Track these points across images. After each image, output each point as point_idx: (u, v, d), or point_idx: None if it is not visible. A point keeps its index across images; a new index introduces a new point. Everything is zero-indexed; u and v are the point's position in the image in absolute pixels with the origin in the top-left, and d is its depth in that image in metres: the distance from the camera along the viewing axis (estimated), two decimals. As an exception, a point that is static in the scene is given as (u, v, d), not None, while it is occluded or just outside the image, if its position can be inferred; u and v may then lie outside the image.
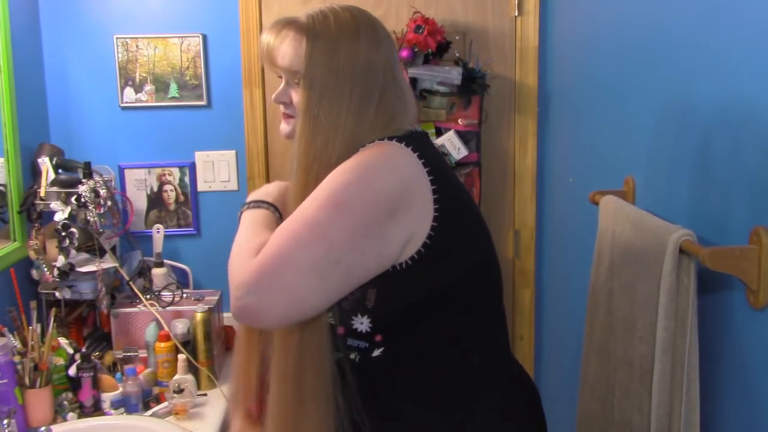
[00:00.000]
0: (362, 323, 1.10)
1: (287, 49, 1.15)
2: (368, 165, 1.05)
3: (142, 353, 2.04)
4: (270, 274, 1.00)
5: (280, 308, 1.01)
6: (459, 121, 2.26)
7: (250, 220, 1.18)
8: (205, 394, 1.96)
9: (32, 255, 2.01)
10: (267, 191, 1.26)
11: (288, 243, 1.01)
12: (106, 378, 1.89)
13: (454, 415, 1.14)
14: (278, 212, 1.21)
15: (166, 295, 2.10)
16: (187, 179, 2.34)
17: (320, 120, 1.12)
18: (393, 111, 1.16)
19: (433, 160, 1.10)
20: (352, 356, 1.15)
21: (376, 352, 1.12)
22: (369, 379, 1.15)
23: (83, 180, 2.03)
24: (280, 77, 1.22)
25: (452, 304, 1.13)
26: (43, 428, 1.62)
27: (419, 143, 1.12)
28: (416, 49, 2.18)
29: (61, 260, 1.98)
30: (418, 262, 1.07)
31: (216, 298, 2.16)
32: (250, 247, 1.06)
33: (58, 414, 1.80)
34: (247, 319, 1.03)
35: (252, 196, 1.25)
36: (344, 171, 1.05)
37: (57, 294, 2.01)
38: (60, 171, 2.12)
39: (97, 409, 1.84)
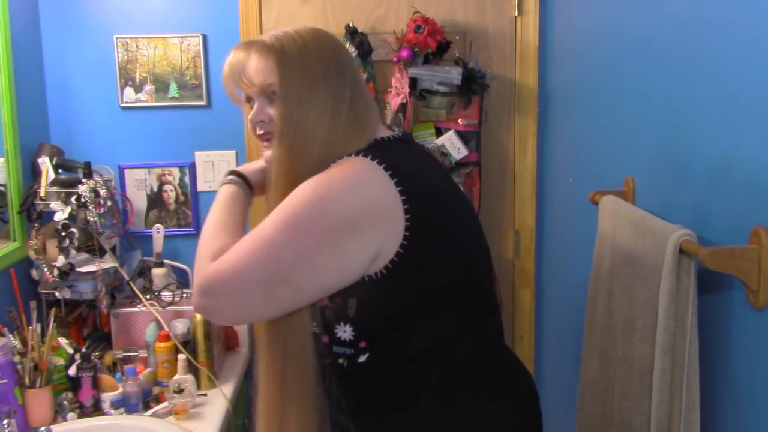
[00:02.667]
0: (345, 331, 1.12)
1: (258, 65, 1.17)
2: (330, 185, 1.07)
3: (142, 353, 2.04)
4: (221, 284, 1.08)
5: (228, 313, 1.12)
6: (459, 121, 2.26)
7: (222, 199, 1.28)
8: (205, 394, 1.96)
9: (32, 255, 2.01)
10: (251, 167, 1.37)
11: (242, 259, 1.08)
12: (106, 378, 1.89)
13: (443, 416, 1.14)
14: (251, 189, 1.34)
15: (166, 295, 2.10)
16: (187, 179, 2.34)
17: (298, 125, 1.13)
18: (365, 111, 1.18)
19: (407, 171, 1.10)
20: (340, 361, 1.15)
21: (362, 358, 1.13)
22: (358, 383, 1.16)
23: (83, 180, 2.03)
24: (249, 102, 1.22)
25: (436, 309, 1.13)
26: (43, 428, 1.62)
27: (393, 154, 1.13)
28: (416, 49, 2.18)
29: (61, 260, 1.98)
30: (392, 272, 1.08)
31: (216, 298, 2.16)
32: (211, 249, 1.14)
33: (58, 414, 1.80)
34: (203, 314, 1.16)
35: (236, 168, 1.37)
36: (305, 190, 1.08)
37: (57, 294, 2.01)
38: (60, 171, 2.12)
39: (97, 409, 1.84)
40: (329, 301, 1.11)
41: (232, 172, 1.34)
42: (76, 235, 1.97)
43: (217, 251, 1.12)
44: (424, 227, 1.08)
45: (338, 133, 1.14)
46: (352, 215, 1.05)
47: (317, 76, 1.14)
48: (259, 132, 1.21)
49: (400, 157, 1.13)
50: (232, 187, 1.30)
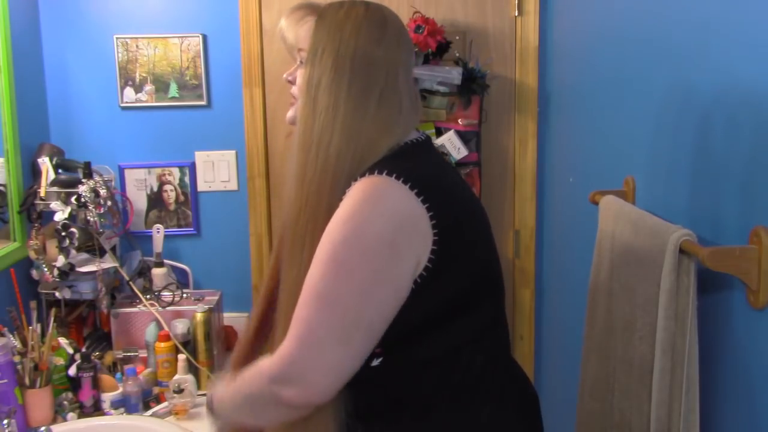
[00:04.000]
0: None
1: (296, 27, 1.18)
2: (359, 216, 1.05)
3: (142, 353, 2.04)
4: (300, 362, 1.04)
5: (321, 386, 1.05)
6: (459, 121, 2.26)
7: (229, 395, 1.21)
8: (205, 394, 1.96)
9: (32, 255, 2.01)
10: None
11: (309, 327, 1.04)
12: (106, 378, 1.90)
13: (451, 422, 1.14)
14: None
15: (166, 295, 2.10)
16: (187, 179, 2.34)
17: (318, 103, 1.12)
18: (397, 114, 1.15)
19: (429, 182, 1.09)
20: None
21: (375, 362, 1.12)
22: (367, 387, 1.14)
23: (83, 180, 2.03)
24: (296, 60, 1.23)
25: (454, 317, 1.13)
26: (43, 428, 1.62)
27: (414, 165, 1.11)
28: (416, 49, 2.18)
29: (61, 260, 1.98)
30: (421, 283, 1.08)
31: (216, 298, 2.16)
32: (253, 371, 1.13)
33: (58, 414, 1.81)
34: (299, 405, 1.08)
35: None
36: (338, 226, 1.05)
37: (57, 294, 2.01)
38: (60, 171, 2.12)
39: (97, 409, 1.84)
40: None
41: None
42: (76, 235, 1.97)
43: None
44: (449, 237, 1.08)
45: (364, 124, 1.11)
46: (389, 238, 1.04)
47: (344, 61, 1.11)
48: (291, 90, 1.23)
49: (422, 167, 1.13)
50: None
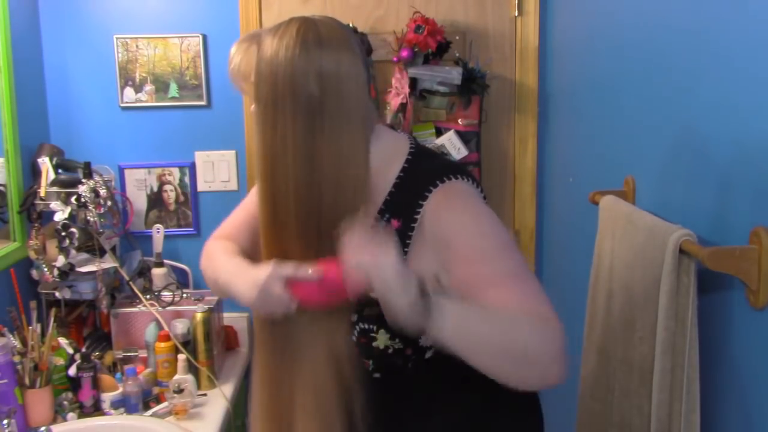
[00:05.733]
0: (427, 338, 1.09)
1: (246, 59, 1.21)
2: (476, 206, 1.13)
3: (142, 353, 2.04)
4: (558, 326, 1.06)
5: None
6: (459, 121, 2.26)
7: (467, 319, 1.02)
8: (205, 394, 1.96)
9: (32, 255, 2.01)
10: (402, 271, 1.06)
11: (537, 293, 1.07)
12: (106, 378, 1.89)
13: (486, 414, 1.17)
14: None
15: (166, 295, 2.10)
16: (187, 179, 2.34)
17: (267, 134, 1.10)
18: (358, 120, 1.11)
19: (471, 175, 1.19)
20: (408, 365, 1.17)
21: (429, 354, 1.16)
22: (422, 378, 1.16)
23: (83, 180, 2.03)
24: None
25: None
26: (43, 428, 1.62)
27: (449, 163, 1.21)
28: (416, 49, 2.18)
29: (61, 260, 1.98)
30: None
31: (216, 298, 2.16)
32: (531, 336, 1.03)
33: (58, 414, 1.80)
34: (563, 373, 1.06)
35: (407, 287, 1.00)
36: (478, 223, 1.10)
37: (57, 294, 2.01)
38: (60, 171, 2.12)
39: (97, 409, 1.84)
40: None
41: (422, 293, 1.00)
42: (76, 235, 1.97)
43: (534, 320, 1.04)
44: None
45: (328, 151, 1.08)
46: (496, 216, 1.14)
47: (284, 86, 1.07)
48: None
49: (461, 166, 1.22)
50: (441, 299, 1.04)
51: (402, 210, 1.12)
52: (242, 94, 1.22)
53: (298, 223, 1.09)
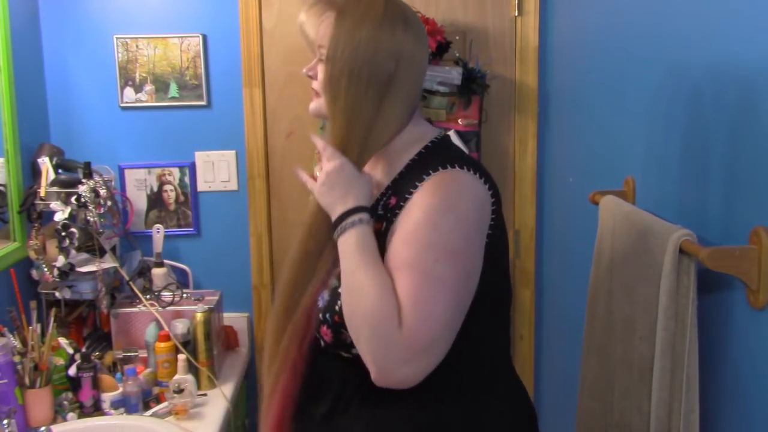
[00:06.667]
0: None
1: (316, 23, 1.19)
2: (459, 203, 1.10)
3: (142, 353, 2.04)
4: (427, 344, 1.04)
5: (430, 368, 1.05)
6: (459, 121, 2.26)
7: (364, 248, 1.10)
8: (205, 394, 1.96)
9: (32, 255, 2.01)
10: (365, 192, 1.17)
11: (429, 308, 1.04)
12: (106, 378, 1.89)
13: (472, 407, 1.16)
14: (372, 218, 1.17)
15: (166, 295, 2.10)
16: (187, 179, 2.34)
17: (339, 101, 1.14)
18: (410, 102, 1.18)
19: (484, 170, 1.15)
20: None
21: None
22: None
23: (83, 180, 2.03)
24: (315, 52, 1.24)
25: (477, 313, 1.14)
26: (43, 428, 1.62)
27: (467, 157, 1.18)
28: (416, 49, 2.17)
29: (61, 260, 1.98)
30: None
31: (216, 298, 2.16)
32: (384, 312, 1.04)
33: (58, 414, 1.81)
34: (399, 384, 1.06)
35: (357, 203, 1.14)
36: (442, 214, 1.08)
37: (57, 294, 2.01)
38: (60, 171, 2.12)
39: (97, 409, 1.84)
40: None
41: (357, 210, 1.12)
42: (76, 235, 1.97)
43: (390, 310, 1.04)
44: (497, 221, 1.15)
45: (381, 120, 1.15)
46: (480, 225, 1.12)
47: (365, 56, 1.12)
48: (313, 85, 1.24)
49: (471, 159, 1.19)
50: (366, 227, 1.12)
51: (401, 189, 1.14)
52: (316, 55, 1.22)
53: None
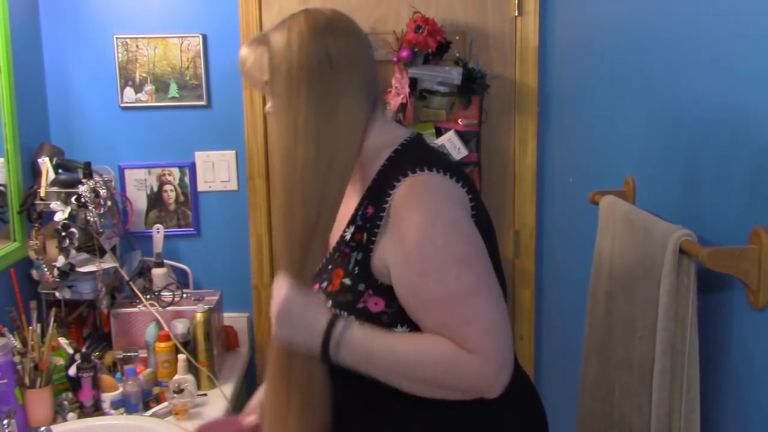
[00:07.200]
0: (402, 331, 1.13)
1: (257, 61, 1.20)
2: (439, 208, 1.09)
3: (142, 353, 2.04)
4: (500, 346, 1.06)
5: (512, 361, 1.09)
6: (459, 121, 2.26)
7: (375, 349, 1.10)
8: (205, 394, 1.96)
9: (32, 255, 2.01)
10: (321, 307, 1.15)
11: (482, 321, 1.06)
12: (106, 378, 1.89)
13: (473, 412, 1.16)
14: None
15: (166, 295, 2.10)
16: (187, 179, 2.34)
17: (285, 121, 1.14)
18: (361, 104, 1.16)
19: (456, 169, 1.14)
20: None
21: None
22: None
23: (83, 180, 2.03)
24: None
25: None
26: (43, 428, 1.62)
27: (435, 157, 1.16)
28: (416, 49, 2.18)
29: (61, 260, 1.98)
30: None
31: (216, 298, 2.16)
32: (446, 361, 1.06)
33: (58, 414, 1.81)
34: (505, 386, 1.08)
35: (317, 317, 1.12)
36: (433, 228, 1.07)
37: (57, 294, 2.01)
38: (60, 171, 2.12)
39: (97, 409, 1.84)
40: (386, 307, 1.11)
41: (331, 322, 1.10)
42: (76, 235, 1.97)
43: (439, 347, 1.06)
44: (479, 218, 1.14)
45: (331, 130, 1.12)
46: (469, 221, 1.12)
47: (300, 72, 1.12)
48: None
49: (443, 158, 1.18)
50: (355, 329, 1.11)
51: (377, 197, 1.13)
52: (261, 93, 1.23)
53: (303, 212, 1.11)
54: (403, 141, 1.19)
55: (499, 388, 1.07)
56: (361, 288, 1.12)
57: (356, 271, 1.13)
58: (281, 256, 1.15)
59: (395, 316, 1.12)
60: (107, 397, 1.84)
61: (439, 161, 1.14)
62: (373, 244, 1.12)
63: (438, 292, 1.07)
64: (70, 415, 1.80)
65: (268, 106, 1.23)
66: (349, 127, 1.14)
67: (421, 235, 1.07)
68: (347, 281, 1.13)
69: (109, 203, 2.06)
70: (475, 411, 1.15)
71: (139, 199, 2.34)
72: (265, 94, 1.23)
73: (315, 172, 1.11)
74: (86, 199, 1.99)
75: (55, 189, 2.05)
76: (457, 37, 2.30)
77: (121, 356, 2.03)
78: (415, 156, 1.15)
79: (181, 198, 2.35)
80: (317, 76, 1.12)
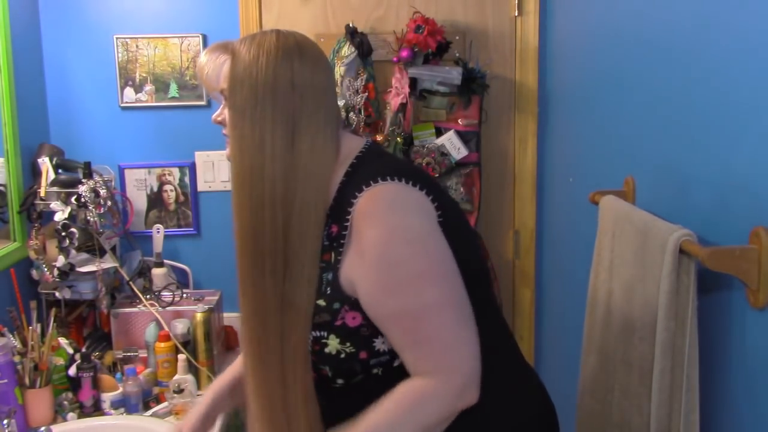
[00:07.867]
0: (383, 342, 1.12)
1: (216, 69, 1.20)
2: (397, 220, 1.08)
3: (142, 353, 2.04)
4: (459, 362, 1.07)
5: (479, 370, 1.09)
6: (459, 121, 2.26)
7: None
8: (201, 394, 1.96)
9: (32, 255, 2.01)
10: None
11: (438, 340, 1.07)
12: (106, 378, 1.89)
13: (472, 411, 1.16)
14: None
15: (166, 295, 2.10)
16: (187, 179, 2.34)
17: (245, 138, 1.12)
18: (329, 134, 1.15)
19: (416, 173, 1.12)
20: (375, 371, 1.15)
21: (397, 362, 1.14)
22: (392, 385, 1.15)
23: (83, 180, 2.03)
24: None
25: None
26: (43, 428, 1.62)
27: (393, 164, 1.15)
28: (416, 49, 2.18)
29: (61, 260, 1.98)
30: None
31: (216, 298, 2.16)
32: (405, 407, 1.09)
33: (58, 414, 1.81)
34: (474, 401, 1.10)
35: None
36: (393, 244, 1.06)
37: (57, 294, 2.01)
38: (60, 171, 2.12)
39: (97, 409, 1.84)
40: (364, 320, 1.11)
41: None
42: (76, 235, 1.97)
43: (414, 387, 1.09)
44: (445, 219, 1.12)
45: (293, 153, 1.11)
46: (434, 228, 1.10)
47: (265, 90, 1.11)
48: (223, 131, 1.22)
49: (400, 164, 1.17)
50: None
51: (338, 215, 1.12)
52: (214, 99, 1.23)
53: (272, 236, 1.11)
54: (357, 153, 1.18)
55: (470, 400, 1.08)
56: (337, 306, 1.11)
57: (328, 291, 1.12)
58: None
59: (374, 328, 1.11)
60: (107, 397, 1.84)
61: (395, 169, 1.12)
62: (340, 263, 1.11)
63: (397, 309, 1.07)
64: (70, 415, 1.80)
65: (218, 114, 1.22)
66: (321, 151, 1.13)
67: (379, 252, 1.06)
68: (321, 302, 1.12)
69: (109, 203, 2.06)
70: (490, 410, 1.15)
71: (139, 199, 2.34)
72: (218, 101, 1.22)
73: (285, 197, 1.11)
74: (86, 199, 1.99)
75: (55, 189, 2.05)
76: (457, 37, 2.30)
77: (121, 356, 2.03)
78: (370, 168, 1.14)
79: (181, 198, 2.35)
80: (282, 98, 1.11)
